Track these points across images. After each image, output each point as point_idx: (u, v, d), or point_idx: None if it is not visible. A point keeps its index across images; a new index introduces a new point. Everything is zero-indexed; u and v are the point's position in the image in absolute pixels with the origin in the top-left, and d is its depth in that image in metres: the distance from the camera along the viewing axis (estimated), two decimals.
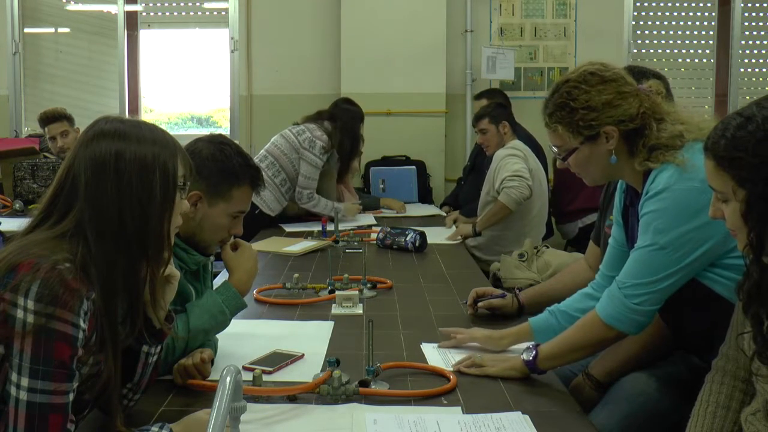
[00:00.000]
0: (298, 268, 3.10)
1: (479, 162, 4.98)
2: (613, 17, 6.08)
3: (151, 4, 6.30)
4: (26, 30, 6.28)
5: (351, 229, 4.05)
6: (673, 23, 6.23)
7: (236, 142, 2.17)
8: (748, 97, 5.83)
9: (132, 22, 6.28)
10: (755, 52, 6.30)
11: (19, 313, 1.25)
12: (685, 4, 6.21)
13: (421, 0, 5.80)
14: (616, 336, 1.90)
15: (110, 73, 6.28)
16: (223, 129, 6.41)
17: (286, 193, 4.46)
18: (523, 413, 1.65)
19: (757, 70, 6.31)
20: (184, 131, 6.68)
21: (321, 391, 1.71)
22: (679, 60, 6.25)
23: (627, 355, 2.04)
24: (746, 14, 6.21)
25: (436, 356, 2.04)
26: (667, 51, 6.26)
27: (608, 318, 1.86)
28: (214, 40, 6.38)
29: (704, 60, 6.27)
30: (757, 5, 6.24)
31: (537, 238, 4.19)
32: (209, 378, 1.80)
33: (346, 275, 2.82)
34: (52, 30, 6.40)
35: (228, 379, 1.14)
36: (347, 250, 3.56)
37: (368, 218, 4.64)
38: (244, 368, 1.87)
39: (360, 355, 1.99)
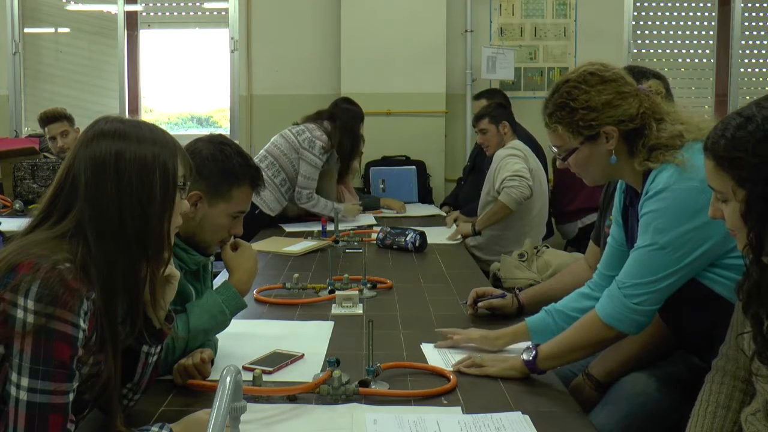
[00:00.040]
0: (298, 268, 3.10)
1: (479, 162, 4.98)
2: (613, 17, 6.08)
3: (151, 4, 6.30)
4: (26, 30, 6.28)
5: (351, 229, 4.05)
6: (673, 23, 6.23)
7: (236, 142, 2.17)
8: (748, 97, 5.83)
9: (132, 22, 6.28)
10: (755, 52, 6.30)
11: (19, 313, 1.25)
12: (685, 4, 6.22)
13: (421, 0, 5.81)
14: (616, 336, 1.90)
15: (110, 73, 6.28)
16: (223, 129, 6.41)
17: (286, 193, 4.46)
18: (523, 413, 1.65)
19: (757, 70, 6.31)
20: (184, 131, 6.68)
21: (321, 391, 1.71)
22: (679, 60, 6.26)
23: (627, 355, 2.04)
24: (746, 14, 6.21)
25: (436, 356, 2.04)
26: (667, 51, 6.26)
27: (608, 318, 1.86)
28: (214, 40, 6.38)
29: (704, 60, 6.27)
30: (757, 5, 6.25)
31: (537, 238, 4.19)
32: (209, 378, 1.80)
33: (346, 275, 2.82)
34: (52, 30, 6.40)
35: (228, 379, 1.14)
36: (347, 250, 3.56)
37: (368, 218, 4.64)
38: (244, 368, 1.87)
39: (360, 355, 1.99)
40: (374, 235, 3.82)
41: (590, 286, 2.15)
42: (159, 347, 1.56)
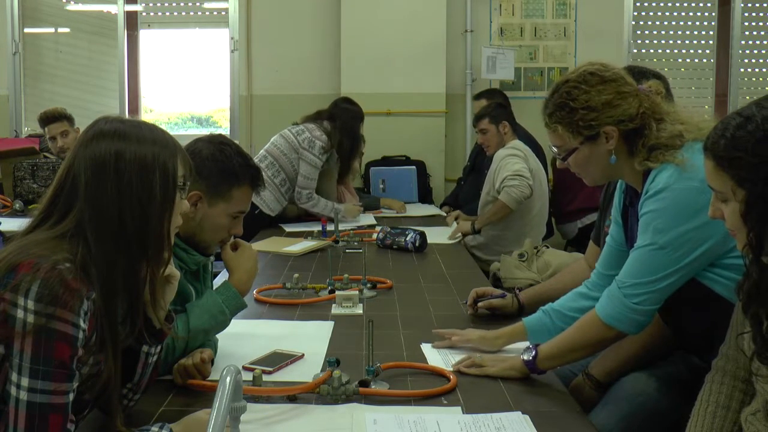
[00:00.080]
0: (298, 268, 3.10)
1: (479, 162, 4.98)
2: (613, 17, 6.08)
3: (151, 4, 6.30)
4: (26, 30, 6.28)
5: (351, 229, 4.05)
6: (673, 23, 6.24)
7: (236, 142, 2.17)
8: (748, 97, 5.83)
9: (132, 22, 6.28)
10: (755, 52, 6.30)
11: (20, 313, 1.25)
12: (685, 4, 6.22)
13: (421, 0, 5.81)
14: (616, 336, 1.90)
15: (110, 73, 6.28)
16: (223, 129, 6.41)
17: (285, 193, 4.46)
18: (523, 413, 1.65)
19: (757, 70, 6.31)
20: (184, 131, 6.68)
21: (321, 391, 1.71)
22: (679, 60, 6.26)
23: (627, 355, 2.04)
24: (746, 14, 6.21)
25: (436, 356, 2.04)
26: (667, 51, 6.26)
27: (608, 318, 1.86)
28: (214, 40, 6.38)
29: (704, 60, 6.27)
30: (757, 5, 6.25)
31: (537, 238, 4.20)
32: (209, 378, 1.80)
33: (346, 275, 2.82)
34: (52, 30, 6.40)
35: (228, 379, 1.14)
36: (347, 250, 3.56)
37: (368, 218, 4.64)
38: (244, 368, 1.87)
39: (360, 355, 1.99)
40: (374, 235, 3.82)
41: (588, 285, 2.15)
42: (159, 347, 1.56)
